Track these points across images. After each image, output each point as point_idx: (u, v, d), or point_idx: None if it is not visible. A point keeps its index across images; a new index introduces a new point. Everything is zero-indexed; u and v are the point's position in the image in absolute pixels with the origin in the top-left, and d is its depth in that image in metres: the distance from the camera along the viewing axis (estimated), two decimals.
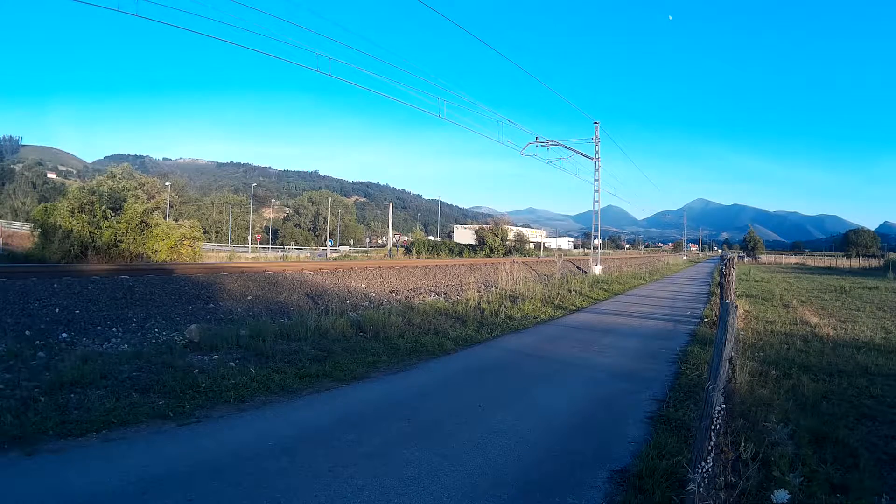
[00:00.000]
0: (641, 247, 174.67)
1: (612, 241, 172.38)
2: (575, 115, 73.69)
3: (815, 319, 12.25)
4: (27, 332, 7.39)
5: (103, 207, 20.01)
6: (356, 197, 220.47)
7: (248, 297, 11.51)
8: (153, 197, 24.01)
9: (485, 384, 6.42)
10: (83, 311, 8.81)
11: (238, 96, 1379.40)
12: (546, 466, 4.03)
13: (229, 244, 65.07)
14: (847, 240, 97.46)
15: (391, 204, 64.38)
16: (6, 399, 4.84)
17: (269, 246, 75.02)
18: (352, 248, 74.40)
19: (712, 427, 2.83)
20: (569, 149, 29.78)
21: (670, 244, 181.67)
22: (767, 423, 4.05)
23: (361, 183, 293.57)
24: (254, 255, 52.26)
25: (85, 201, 20.30)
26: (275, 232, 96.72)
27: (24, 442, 4.07)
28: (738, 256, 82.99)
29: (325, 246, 66.28)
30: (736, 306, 3.78)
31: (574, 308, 14.45)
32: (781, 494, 2.77)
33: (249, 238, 73.66)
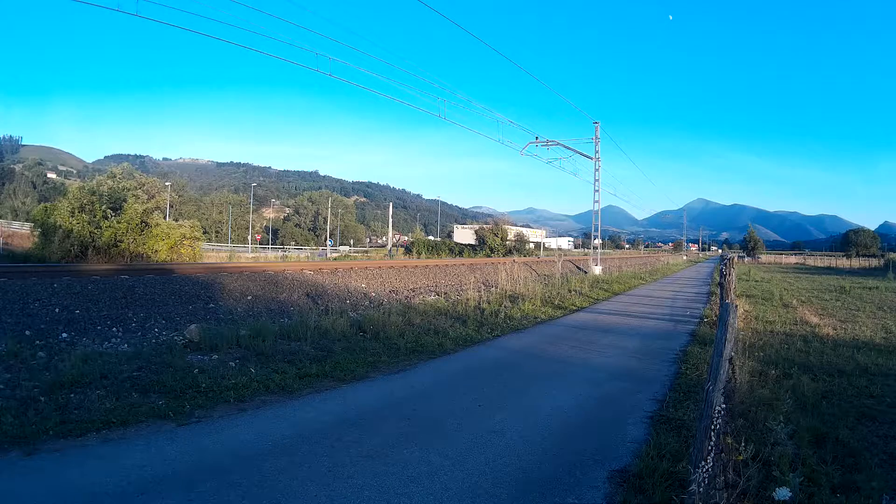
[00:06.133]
0: (641, 247, 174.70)
1: (612, 241, 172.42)
2: (575, 115, 73.72)
3: (815, 319, 12.25)
4: (27, 332, 7.39)
5: (103, 207, 20.02)
6: (356, 197, 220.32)
7: (248, 297, 11.51)
8: (153, 197, 23.97)
9: (485, 384, 6.42)
10: (83, 311, 8.81)
11: (238, 96, 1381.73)
12: (546, 466, 4.03)
13: (229, 244, 65.04)
14: (847, 240, 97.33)
15: (391, 204, 64.31)
16: (6, 399, 4.84)
17: (269, 246, 75.00)
18: (352, 248, 74.39)
19: (712, 427, 2.83)
20: (569, 149, 29.79)
21: (670, 244, 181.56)
22: (767, 423, 4.04)
23: (361, 183, 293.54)
24: (254, 254, 52.28)
25: (85, 201, 20.31)
26: (275, 232, 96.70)
27: (24, 442, 4.07)
28: (738, 256, 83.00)
29: (325, 246, 66.26)
30: (736, 306, 3.78)
31: (574, 308, 14.44)
32: (783, 492, 2.77)
33: (249, 238, 73.64)
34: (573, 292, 17.32)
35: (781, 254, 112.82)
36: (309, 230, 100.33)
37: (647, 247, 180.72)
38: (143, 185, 25.01)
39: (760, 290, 20.61)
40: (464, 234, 71.29)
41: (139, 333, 8.06)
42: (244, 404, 5.29)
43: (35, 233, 23.69)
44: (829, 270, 51.10)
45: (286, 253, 57.25)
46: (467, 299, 13.01)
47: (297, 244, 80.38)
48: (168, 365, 6.15)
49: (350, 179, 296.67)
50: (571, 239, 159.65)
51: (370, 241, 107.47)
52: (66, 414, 4.65)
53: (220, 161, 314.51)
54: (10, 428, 4.25)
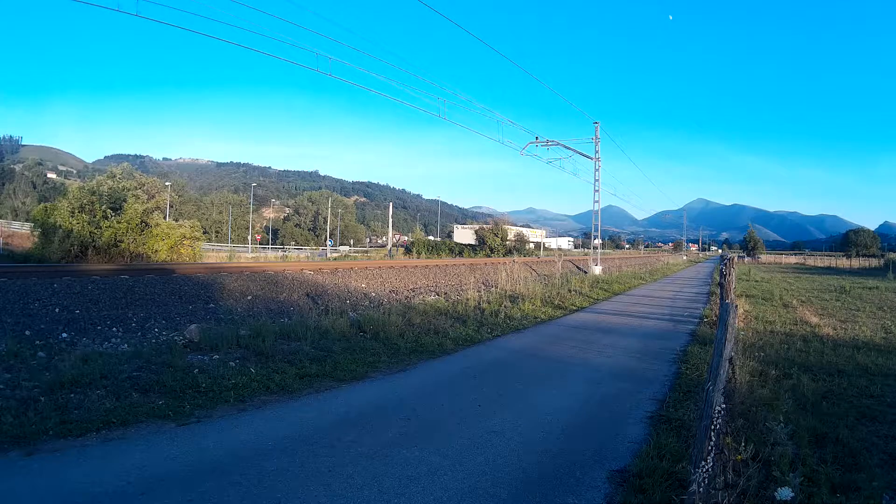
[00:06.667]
0: (641, 247, 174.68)
1: (612, 241, 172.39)
2: (575, 115, 73.78)
3: (814, 319, 12.25)
4: (27, 332, 7.38)
5: (103, 207, 20.00)
6: (356, 197, 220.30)
7: (248, 297, 11.51)
8: (153, 197, 23.94)
9: (485, 384, 6.42)
10: (83, 311, 8.80)
11: (238, 96, 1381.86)
12: (546, 466, 4.03)
13: (229, 244, 65.03)
14: (847, 240, 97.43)
15: (391, 204, 64.22)
16: (6, 399, 4.83)
17: (269, 246, 75.01)
18: (352, 248, 74.38)
19: (712, 427, 2.83)
20: (569, 149, 29.79)
21: (670, 244, 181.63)
22: (767, 423, 4.04)
23: (361, 183, 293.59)
24: (254, 255, 52.28)
25: (85, 201, 20.30)
26: (275, 232, 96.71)
27: (24, 442, 4.07)
28: (738, 256, 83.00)
29: (325, 246, 66.27)
30: (736, 306, 3.78)
31: (574, 308, 14.45)
32: (785, 492, 2.77)
33: (249, 238, 73.63)
34: (573, 292, 17.32)
35: (781, 254, 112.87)
36: (309, 230, 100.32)
37: (647, 247, 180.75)
38: (143, 185, 24.98)
39: (760, 290, 20.61)
40: (464, 234, 71.29)
41: (139, 333, 8.06)
42: (244, 404, 5.29)
43: (35, 233, 23.67)
44: (829, 270, 51.10)
45: (286, 253, 57.25)
46: (467, 299, 13.01)
47: (297, 244, 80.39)
48: (168, 365, 6.15)
49: (350, 179, 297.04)
50: (571, 239, 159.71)
51: (370, 241, 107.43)
52: (66, 414, 4.65)
53: (220, 161, 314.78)
54: (10, 428, 4.25)
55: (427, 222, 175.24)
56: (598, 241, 32.34)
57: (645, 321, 12.61)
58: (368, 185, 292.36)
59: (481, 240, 53.71)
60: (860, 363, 7.49)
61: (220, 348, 7.07)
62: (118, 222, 19.84)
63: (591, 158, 30.05)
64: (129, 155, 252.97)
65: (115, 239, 19.72)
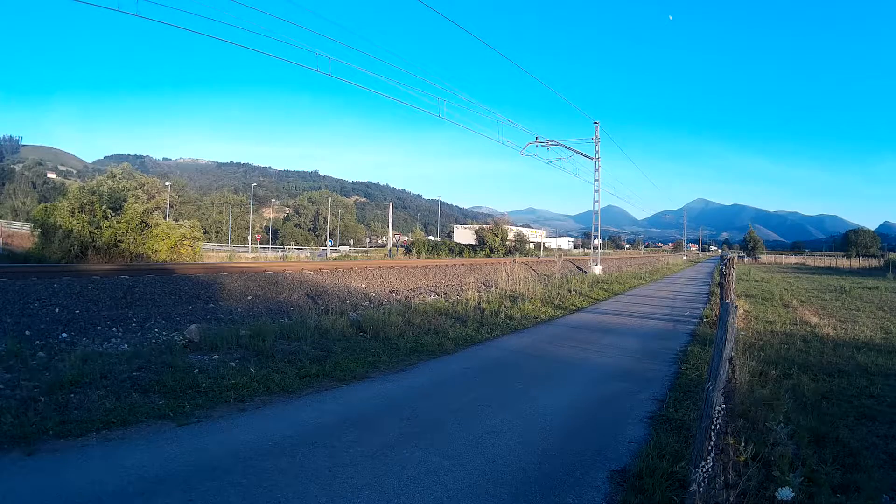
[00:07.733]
0: (641, 247, 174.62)
1: (612, 241, 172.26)
2: (575, 115, 73.91)
3: (815, 319, 12.25)
4: (27, 332, 7.39)
5: (103, 207, 20.02)
6: (356, 197, 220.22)
7: (248, 297, 11.51)
8: (153, 197, 23.96)
9: (485, 384, 6.42)
10: (83, 311, 8.81)
11: (238, 96, 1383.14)
12: (546, 466, 4.03)
13: (229, 244, 65.04)
14: (847, 240, 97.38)
15: (391, 204, 64.29)
16: (6, 399, 4.84)
17: (269, 246, 75.00)
18: (352, 248, 74.39)
19: (712, 427, 2.83)
20: (569, 149, 29.79)
21: (670, 244, 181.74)
22: (767, 423, 4.04)
23: (361, 183, 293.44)
24: (254, 255, 52.28)
25: (85, 201, 20.32)
26: (275, 232, 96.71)
27: (24, 442, 4.07)
28: (738, 256, 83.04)
29: (326, 246, 66.27)
30: (736, 306, 3.78)
31: (574, 308, 14.44)
32: (785, 492, 2.77)
33: (249, 238, 73.62)
34: (573, 292, 17.31)
35: (781, 254, 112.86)
36: (309, 230, 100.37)
37: (647, 247, 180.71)
38: (143, 185, 24.98)
39: (760, 290, 20.61)
40: (464, 234, 71.28)
41: (139, 333, 8.06)
42: (244, 404, 5.28)
43: (35, 233, 23.71)
44: (829, 270, 51.11)
45: (286, 253, 57.25)
46: (467, 299, 13.01)
47: (297, 244, 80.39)
48: (168, 365, 6.15)
49: (350, 179, 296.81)
50: (571, 239, 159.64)
51: (370, 241, 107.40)
52: (66, 414, 4.65)
53: (220, 161, 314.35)
54: (10, 428, 4.24)
55: (427, 222, 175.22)
56: (598, 241, 32.34)
57: (645, 321, 12.60)
58: (368, 185, 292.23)
59: (481, 240, 53.74)
60: (860, 363, 7.49)
61: (220, 348, 7.07)
62: (118, 222, 19.86)
63: (591, 158, 30.07)
64: (129, 155, 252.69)
65: (115, 239, 19.74)
